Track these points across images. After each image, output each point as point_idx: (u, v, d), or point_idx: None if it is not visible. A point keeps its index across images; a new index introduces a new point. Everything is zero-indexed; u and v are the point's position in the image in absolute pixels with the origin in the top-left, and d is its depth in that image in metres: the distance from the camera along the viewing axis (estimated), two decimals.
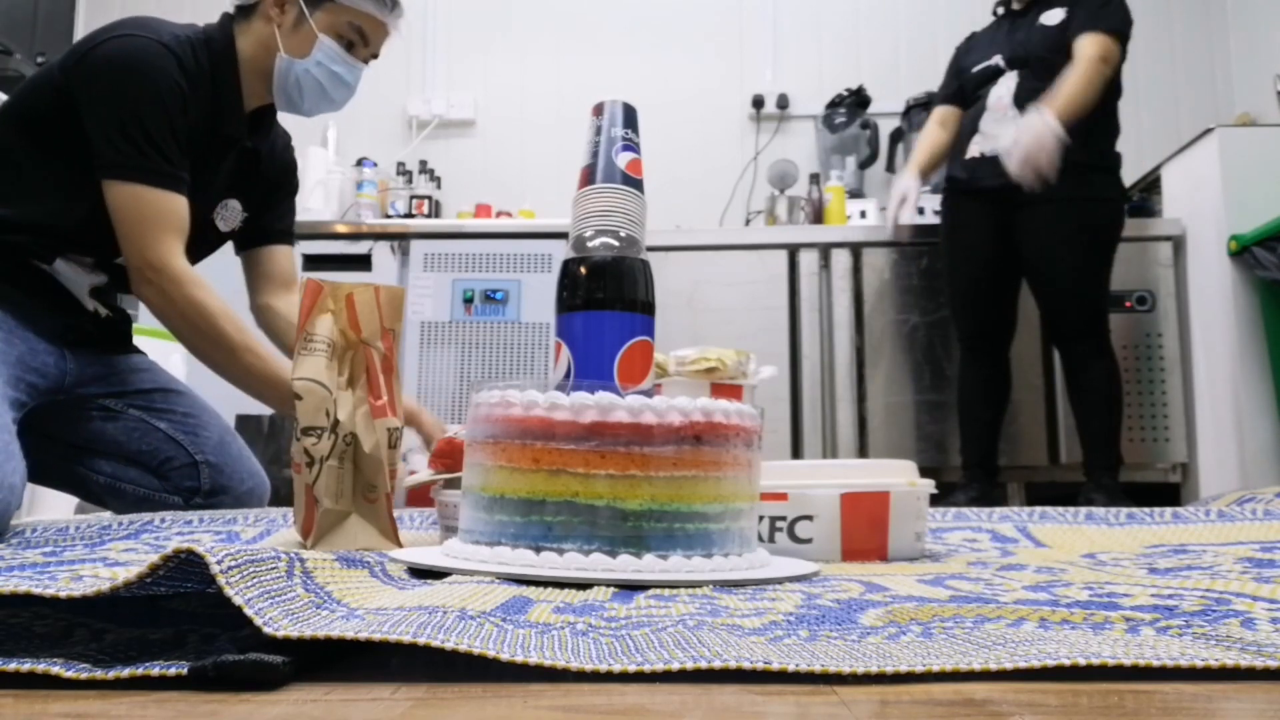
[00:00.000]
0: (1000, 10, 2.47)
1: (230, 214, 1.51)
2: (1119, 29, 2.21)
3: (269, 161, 1.55)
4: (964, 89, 2.44)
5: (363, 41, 1.44)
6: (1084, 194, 2.22)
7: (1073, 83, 2.14)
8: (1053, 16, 2.29)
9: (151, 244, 1.31)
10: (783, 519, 0.88)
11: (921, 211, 2.94)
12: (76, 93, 1.30)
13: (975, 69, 2.39)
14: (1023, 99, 2.24)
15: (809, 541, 0.87)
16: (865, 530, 0.87)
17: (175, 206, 1.33)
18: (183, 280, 1.33)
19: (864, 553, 0.87)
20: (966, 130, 2.38)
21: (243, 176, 1.50)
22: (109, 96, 1.29)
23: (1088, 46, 2.18)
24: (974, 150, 2.32)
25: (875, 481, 0.89)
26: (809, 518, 0.87)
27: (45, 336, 1.37)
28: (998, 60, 2.34)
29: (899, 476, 0.91)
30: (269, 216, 1.58)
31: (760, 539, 0.88)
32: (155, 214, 1.31)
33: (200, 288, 1.34)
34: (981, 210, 2.32)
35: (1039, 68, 2.25)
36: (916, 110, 3.23)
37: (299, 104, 1.46)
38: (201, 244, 1.51)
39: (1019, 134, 2.11)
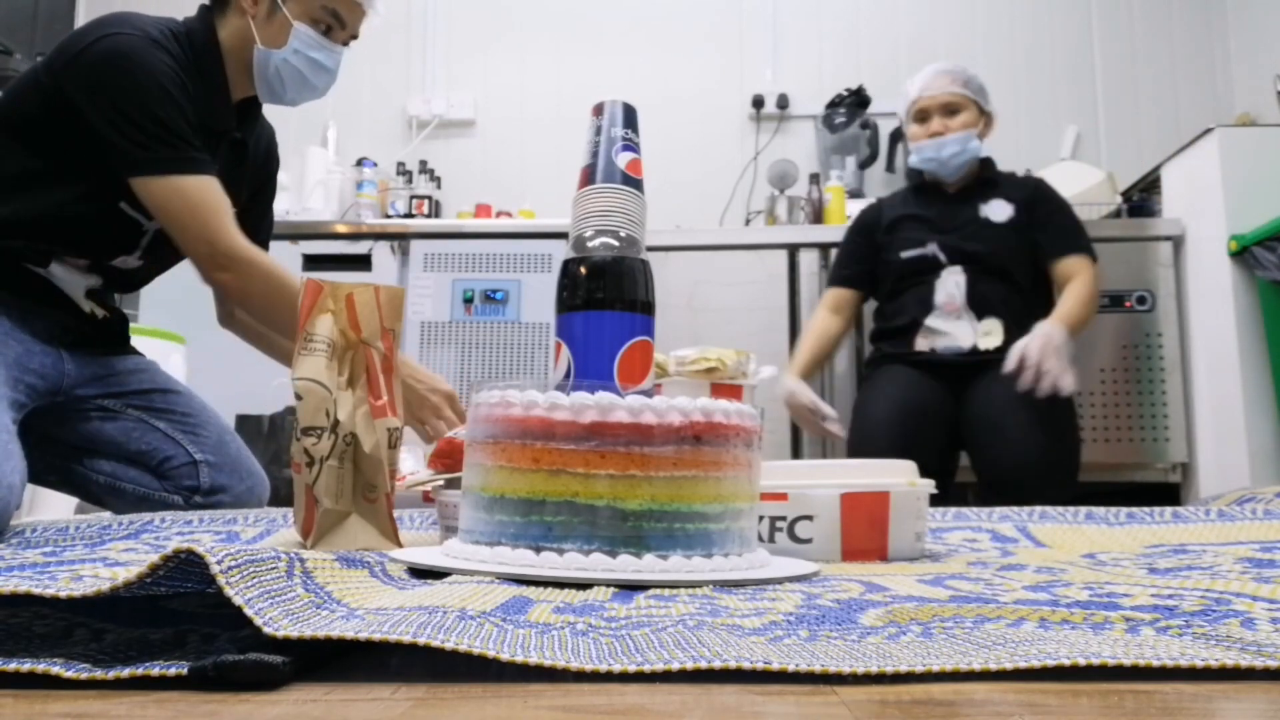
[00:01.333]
0: (914, 179, 2.28)
1: None
2: (1093, 252, 2.10)
3: (254, 158, 1.54)
4: (876, 273, 2.21)
5: (339, 24, 1.42)
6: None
7: (1082, 301, 1.99)
8: (998, 211, 2.11)
9: (214, 232, 1.31)
10: (783, 519, 0.88)
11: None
12: (74, 96, 1.29)
13: (905, 255, 2.15)
14: (977, 300, 2.05)
15: (809, 541, 0.87)
16: (865, 530, 0.87)
17: (217, 189, 1.33)
18: (255, 260, 1.34)
19: (864, 553, 0.87)
20: (905, 323, 2.12)
21: (233, 171, 1.49)
22: (116, 95, 1.28)
23: (1084, 269, 2.06)
24: (923, 345, 2.09)
25: (875, 481, 0.89)
26: (809, 518, 0.87)
27: (41, 338, 1.37)
28: (933, 250, 2.11)
29: (899, 477, 0.91)
30: (258, 222, 1.58)
31: (760, 539, 0.88)
32: (202, 202, 1.31)
33: (271, 260, 1.36)
34: (931, 376, 2.07)
35: (990, 266, 2.06)
36: None
37: (281, 94, 1.45)
38: None
39: (1030, 342, 1.85)
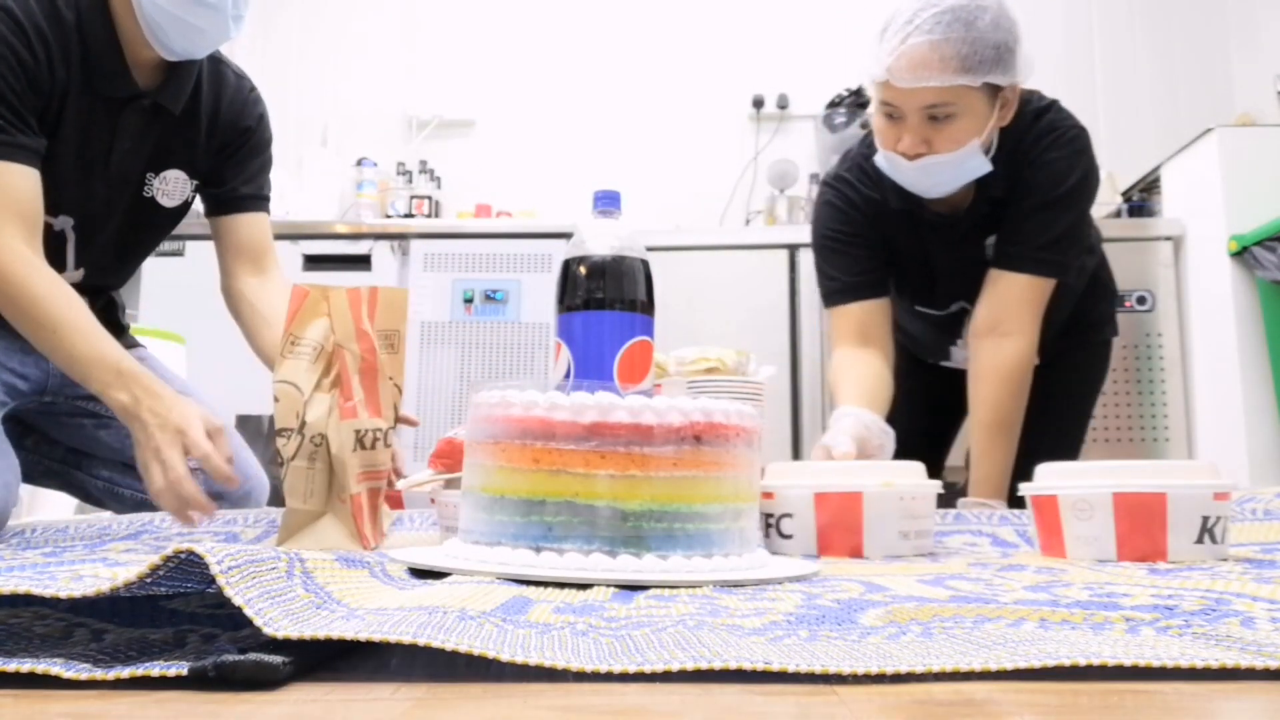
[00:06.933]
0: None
1: (174, 186, 1.38)
2: (1063, 273, 1.48)
3: (213, 120, 1.39)
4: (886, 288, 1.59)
5: None
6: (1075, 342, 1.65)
7: (1000, 423, 1.43)
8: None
9: None
10: (772, 516, 0.95)
11: None
12: None
13: (920, 309, 1.63)
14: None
15: (790, 538, 0.94)
16: (839, 528, 0.92)
17: (9, 180, 1.17)
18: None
19: (837, 549, 0.92)
20: (931, 342, 1.71)
21: (175, 141, 1.36)
22: None
23: (1021, 310, 1.44)
24: (957, 364, 1.67)
25: (847, 482, 0.93)
26: (789, 515, 0.94)
27: (19, 337, 1.24)
28: (960, 307, 1.59)
29: (888, 477, 0.94)
30: (232, 180, 1.42)
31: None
32: None
33: (22, 262, 1.17)
34: (944, 372, 1.74)
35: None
36: None
37: (168, 43, 1.26)
38: (142, 225, 1.39)
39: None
